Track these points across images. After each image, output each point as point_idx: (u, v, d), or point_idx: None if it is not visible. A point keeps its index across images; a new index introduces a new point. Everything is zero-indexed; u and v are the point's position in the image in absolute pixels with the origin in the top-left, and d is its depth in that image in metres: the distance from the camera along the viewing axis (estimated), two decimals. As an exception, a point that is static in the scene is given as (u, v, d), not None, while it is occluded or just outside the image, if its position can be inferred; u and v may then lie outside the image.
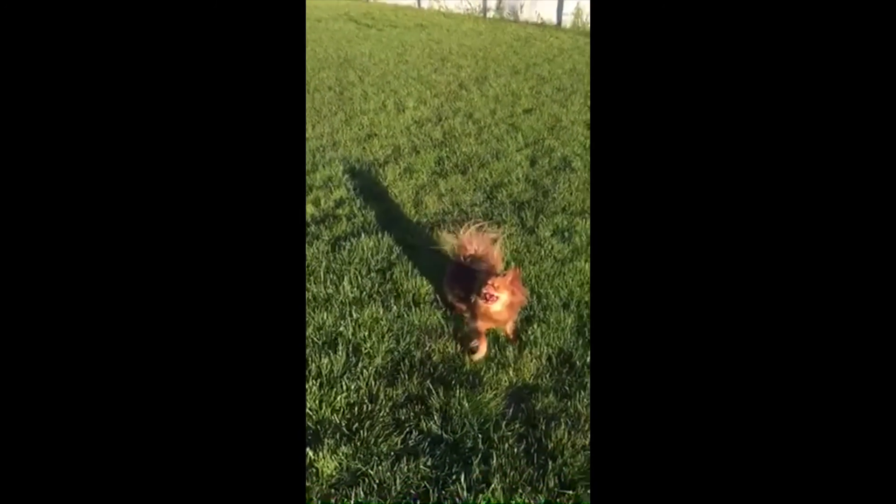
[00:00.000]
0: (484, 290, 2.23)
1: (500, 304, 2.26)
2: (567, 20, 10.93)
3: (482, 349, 2.39)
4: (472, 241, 2.61)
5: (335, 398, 2.14)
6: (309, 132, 5.22)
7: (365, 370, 2.28)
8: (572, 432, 2.00)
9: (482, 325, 2.37)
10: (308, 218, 3.59)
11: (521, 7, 11.78)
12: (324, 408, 2.10)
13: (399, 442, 1.97)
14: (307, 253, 3.16)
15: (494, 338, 2.49)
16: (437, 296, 2.77)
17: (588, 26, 10.38)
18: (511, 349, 2.41)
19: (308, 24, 10.45)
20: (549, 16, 11.24)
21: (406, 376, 2.28)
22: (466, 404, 2.11)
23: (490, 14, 12.43)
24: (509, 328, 2.48)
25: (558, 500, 1.78)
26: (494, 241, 2.67)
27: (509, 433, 2.01)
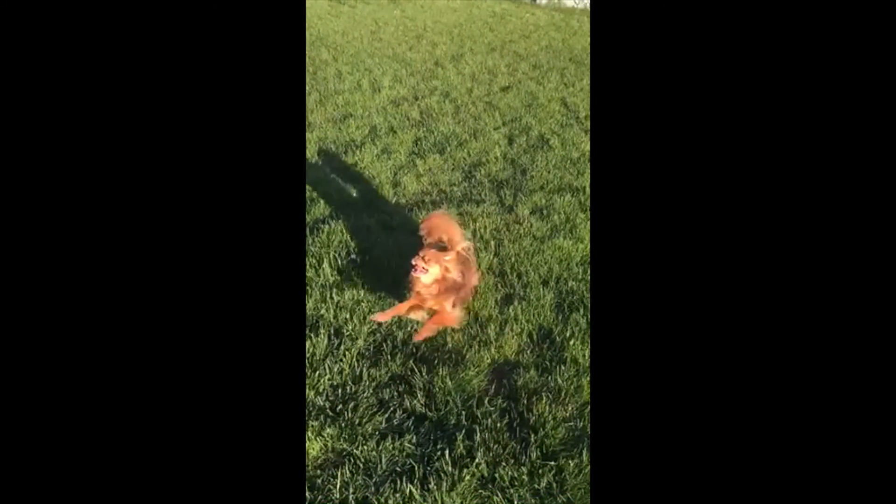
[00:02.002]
0: (413, 261, 2.20)
1: (430, 277, 2.23)
2: (542, -5, 10.80)
3: (383, 316, 2.33)
4: (437, 225, 2.52)
5: (318, 380, 2.15)
6: (283, 113, 5.11)
7: (347, 352, 2.29)
8: (553, 405, 2.05)
9: (407, 304, 2.32)
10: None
11: (496, -18, 11.57)
12: (307, 390, 2.11)
13: (383, 421, 2.00)
14: (285, 237, 3.12)
15: (474, 316, 2.52)
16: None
17: (563, 2, 10.30)
18: (493, 327, 2.44)
19: (278, 2, 10.12)
20: (525, -9, 11.09)
21: (389, 357, 2.29)
22: (449, 382, 2.14)
23: (465, -10, 12.20)
24: (449, 316, 2.34)
25: (541, 471, 1.83)
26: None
27: (492, 409, 2.05)
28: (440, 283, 2.26)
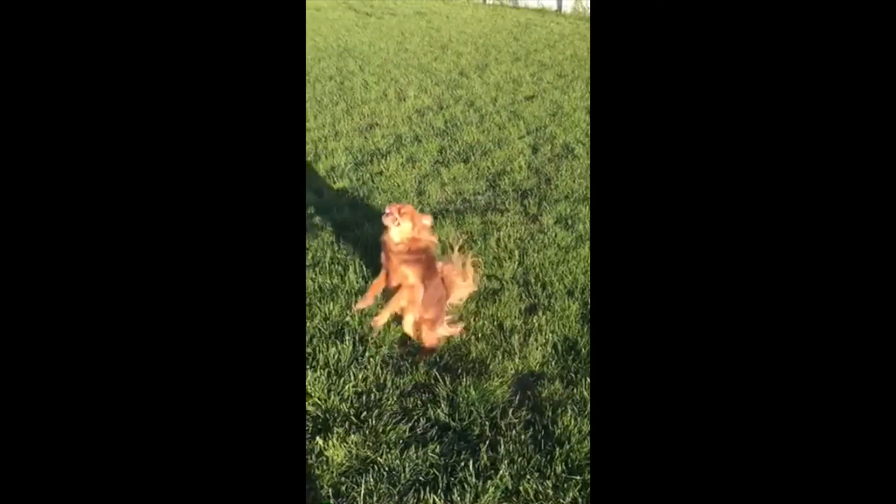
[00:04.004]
0: (388, 208, 2.14)
1: (399, 233, 2.17)
2: (567, 5, 10.81)
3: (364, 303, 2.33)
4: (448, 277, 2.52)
5: (343, 387, 2.16)
6: (310, 123, 5.21)
7: (372, 359, 2.30)
8: (578, 418, 2.02)
9: (381, 278, 2.32)
10: (312, 209, 3.59)
11: (521, -7, 11.65)
12: (332, 397, 2.12)
13: (407, 430, 1.99)
14: (312, 244, 3.16)
15: (499, 325, 2.51)
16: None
17: (588, 11, 10.28)
18: (517, 336, 2.42)
19: (307, 14, 10.35)
20: (549, 1, 11.12)
21: (413, 365, 2.30)
22: (473, 392, 2.13)
23: (490, 0, 12.31)
24: (426, 327, 2.35)
25: (566, 485, 1.80)
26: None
27: (516, 420, 2.03)
28: (410, 244, 2.19)
